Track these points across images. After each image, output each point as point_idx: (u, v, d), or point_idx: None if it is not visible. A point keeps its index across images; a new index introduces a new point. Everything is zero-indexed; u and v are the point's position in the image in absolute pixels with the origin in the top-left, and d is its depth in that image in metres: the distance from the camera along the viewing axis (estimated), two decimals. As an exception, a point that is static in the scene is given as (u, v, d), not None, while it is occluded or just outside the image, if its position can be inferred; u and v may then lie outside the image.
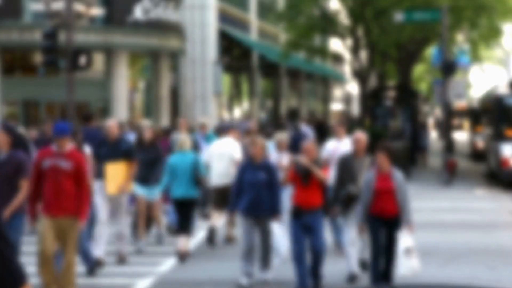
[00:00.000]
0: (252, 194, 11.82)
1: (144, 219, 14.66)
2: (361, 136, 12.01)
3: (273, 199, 11.89)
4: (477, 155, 35.25)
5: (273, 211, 11.84)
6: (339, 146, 13.70)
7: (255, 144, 12.07)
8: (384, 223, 11.03)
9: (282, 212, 12.10)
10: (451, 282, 10.74)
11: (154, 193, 14.64)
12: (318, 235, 11.26)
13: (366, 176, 11.23)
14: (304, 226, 11.28)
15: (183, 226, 13.48)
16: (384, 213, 11.02)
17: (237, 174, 12.24)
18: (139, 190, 14.62)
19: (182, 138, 14.08)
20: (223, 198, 14.84)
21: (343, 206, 11.77)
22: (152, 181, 14.65)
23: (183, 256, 13.40)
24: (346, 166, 11.89)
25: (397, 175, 11.10)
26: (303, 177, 11.35)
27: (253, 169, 11.94)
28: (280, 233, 11.70)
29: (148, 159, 14.63)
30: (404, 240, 10.74)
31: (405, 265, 10.64)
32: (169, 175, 13.59)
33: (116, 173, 13.09)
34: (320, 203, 11.44)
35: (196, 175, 13.56)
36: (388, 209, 11.01)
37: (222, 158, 15.21)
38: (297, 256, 11.24)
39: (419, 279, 10.84)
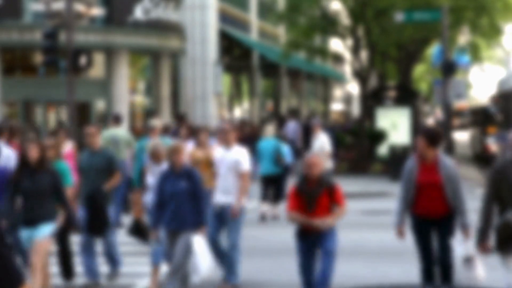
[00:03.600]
0: (172, 206, 10.59)
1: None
2: None
3: (197, 210, 10.63)
4: (487, 159, 33.91)
5: (197, 223, 10.58)
6: (227, 155, 11.69)
7: (175, 150, 10.76)
8: (431, 225, 9.44)
9: (206, 224, 10.85)
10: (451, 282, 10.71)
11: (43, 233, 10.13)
12: (328, 259, 9.77)
13: (406, 165, 9.53)
14: (312, 250, 9.93)
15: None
16: (430, 213, 9.41)
17: (157, 185, 10.87)
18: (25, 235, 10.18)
19: (154, 143, 12.42)
20: None
21: (501, 241, 8.34)
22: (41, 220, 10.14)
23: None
24: (505, 179, 8.34)
25: (446, 164, 9.28)
26: (308, 203, 9.77)
27: (173, 178, 10.69)
28: (202, 249, 10.45)
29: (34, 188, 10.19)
30: (461, 248, 9.13)
31: (467, 277, 9.05)
32: None
33: None
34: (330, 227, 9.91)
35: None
36: (435, 208, 9.38)
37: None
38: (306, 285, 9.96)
39: (417, 279, 10.82)
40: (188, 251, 10.45)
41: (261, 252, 14.35)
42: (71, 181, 11.34)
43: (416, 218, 9.50)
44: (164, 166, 11.44)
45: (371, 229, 16.96)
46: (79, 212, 11.59)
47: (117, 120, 18.28)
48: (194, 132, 15.10)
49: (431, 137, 9.27)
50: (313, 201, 9.73)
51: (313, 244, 9.87)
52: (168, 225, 10.63)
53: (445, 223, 9.42)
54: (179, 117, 27.24)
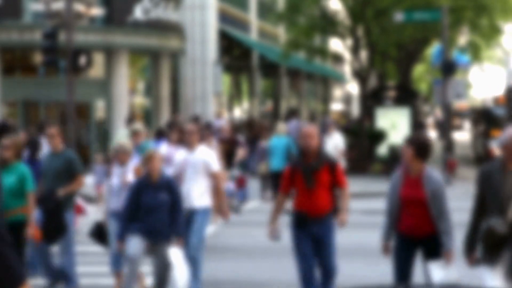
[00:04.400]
0: (150, 219, 10.05)
1: None
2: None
3: (175, 221, 10.14)
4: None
5: (174, 234, 10.15)
6: (191, 157, 11.10)
7: (150, 157, 10.13)
8: (416, 246, 8.56)
9: (183, 235, 10.37)
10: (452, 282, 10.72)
11: None
12: (329, 250, 9.47)
13: (393, 177, 8.73)
14: (312, 239, 9.36)
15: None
16: (414, 232, 8.48)
17: (130, 196, 10.19)
18: None
19: (119, 143, 11.84)
20: None
21: (486, 248, 7.72)
22: None
23: None
24: (491, 184, 7.73)
25: (432, 179, 8.39)
26: (307, 178, 9.22)
27: (152, 190, 10.08)
28: (180, 261, 10.07)
29: None
30: (440, 273, 8.25)
31: None
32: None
33: None
34: (329, 208, 9.38)
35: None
36: (419, 226, 8.45)
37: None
38: (305, 275, 9.40)
39: (419, 279, 10.81)
40: (167, 264, 10.01)
41: (261, 252, 14.35)
42: (32, 186, 10.16)
43: (399, 236, 8.59)
44: (129, 168, 10.95)
45: (371, 229, 16.95)
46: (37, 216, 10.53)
47: (130, 121, 19.11)
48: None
49: (420, 148, 8.38)
50: (311, 176, 9.16)
51: (311, 236, 9.37)
52: (145, 238, 10.07)
53: (431, 244, 8.46)
54: (195, 119, 27.27)
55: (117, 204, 10.96)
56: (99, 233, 11.33)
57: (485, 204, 7.71)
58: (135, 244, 10.07)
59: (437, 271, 8.24)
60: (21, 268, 3.60)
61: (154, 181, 10.10)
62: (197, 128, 11.46)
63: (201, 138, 13.80)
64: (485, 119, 33.57)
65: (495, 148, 30.81)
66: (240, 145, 20.46)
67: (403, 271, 8.56)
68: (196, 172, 10.98)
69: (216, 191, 11.17)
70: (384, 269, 12.57)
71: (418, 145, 8.41)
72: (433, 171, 8.54)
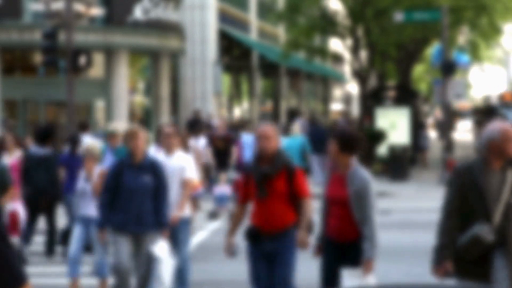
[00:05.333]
0: (131, 205, 9.07)
1: None
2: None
3: (159, 209, 9.19)
4: None
5: (159, 225, 9.22)
6: (169, 161, 10.15)
7: (132, 135, 9.21)
8: (341, 251, 7.65)
9: (167, 225, 9.44)
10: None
11: None
12: (284, 271, 8.00)
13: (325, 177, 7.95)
14: (267, 257, 8.02)
15: None
16: (339, 236, 7.63)
17: (109, 178, 9.23)
18: None
19: (89, 144, 11.15)
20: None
21: (470, 258, 6.70)
22: None
23: None
24: (473, 185, 6.65)
25: (357, 177, 7.54)
26: (259, 186, 7.93)
27: (134, 171, 9.13)
28: (165, 256, 9.20)
29: None
30: (352, 281, 7.46)
31: None
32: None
33: None
34: (288, 223, 7.99)
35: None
36: (343, 230, 7.61)
37: None
38: None
39: (420, 279, 10.82)
40: (151, 261, 9.18)
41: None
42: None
43: (326, 239, 7.73)
44: (97, 171, 10.43)
45: (371, 229, 16.93)
46: None
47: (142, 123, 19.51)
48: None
49: (345, 141, 7.50)
50: (264, 183, 7.86)
51: (265, 254, 8.05)
52: (124, 228, 9.13)
53: (357, 252, 7.62)
54: (196, 113, 27.44)
55: (86, 210, 10.47)
56: (65, 238, 10.92)
57: (462, 207, 6.67)
58: (122, 249, 9.19)
59: (350, 280, 7.46)
60: (22, 268, 3.60)
61: (136, 161, 9.14)
62: (176, 131, 10.57)
63: (194, 132, 13.12)
64: (490, 118, 32.81)
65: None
66: (235, 143, 20.23)
67: (327, 277, 7.66)
68: (173, 178, 10.00)
69: (181, 200, 10.16)
70: (384, 269, 12.57)
71: (343, 139, 7.51)
72: (360, 169, 7.59)
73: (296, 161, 19.63)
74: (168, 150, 10.17)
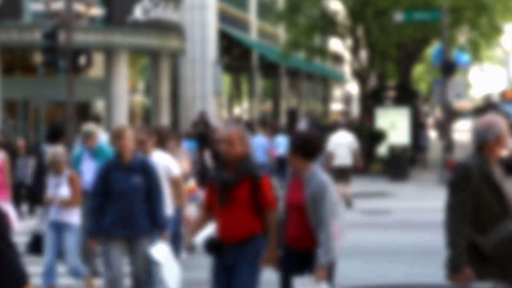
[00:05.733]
0: (122, 208, 8.57)
1: None
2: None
3: (155, 210, 8.73)
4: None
5: (157, 227, 8.76)
6: None
7: (119, 134, 8.70)
8: (299, 262, 7.23)
9: (166, 226, 8.94)
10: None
11: None
12: (243, 274, 7.35)
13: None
14: (228, 271, 7.45)
15: None
16: (297, 244, 7.23)
17: (97, 181, 8.72)
18: None
19: (53, 151, 10.55)
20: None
21: (505, 258, 6.37)
22: None
23: None
24: (488, 181, 6.38)
25: (314, 180, 7.12)
26: (220, 194, 7.37)
27: (123, 172, 8.63)
28: (167, 259, 8.72)
29: None
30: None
31: None
32: None
33: None
34: (250, 233, 7.35)
35: None
36: (301, 238, 7.19)
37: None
38: None
39: (420, 279, 10.83)
40: (149, 266, 8.73)
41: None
42: None
43: (285, 247, 7.32)
44: (64, 176, 10.13)
45: (371, 229, 16.95)
46: None
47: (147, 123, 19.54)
48: (162, 140, 11.66)
49: (300, 144, 7.16)
50: (225, 191, 7.32)
51: (226, 267, 7.49)
52: (115, 231, 8.60)
53: (313, 263, 7.09)
54: (202, 114, 27.50)
55: (56, 216, 10.25)
56: (37, 246, 10.72)
57: (477, 207, 6.34)
58: (114, 259, 8.68)
59: None
60: (24, 269, 3.60)
61: (125, 161, 8.63)
62: (149, 135, 9.99)
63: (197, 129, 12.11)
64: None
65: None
66: None
67: (285, 286, 7.28)
68: (161, 178, 9.57)
69: (179, 197, 10.04)
70: (384, 269, 12.58)
71: (298, 142, 7.18)
72: (318, 172, 7.20)
73: None
74: (145, 154, 9.70)
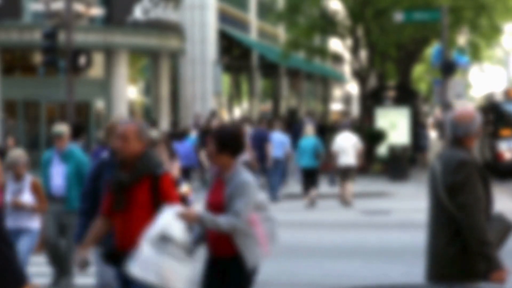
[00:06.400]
0: None
1: None
2: None
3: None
4: (500, 169, 27.85)
5: None
6: None
7: (112, 129, 7.78)
8: (219, 270, 6.59)
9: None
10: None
11: None
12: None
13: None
14: (126, 282, 6.59)
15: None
16: (216, 251, 6.57)
17: (88, 182, 7.82)
18: None
19: (13, 155, 10.09)
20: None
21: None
22: None
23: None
24: (484, 174, 6.40)
25: (235, 179, 6.48)
26: (115, 196, 6.64)
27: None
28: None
29: None
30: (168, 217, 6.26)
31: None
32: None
33: None
34: None
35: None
36: (220, 244, 6.52)
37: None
38: None
39: (420, 279, 10.82)
40: None
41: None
42: None
43: (207, 256, 6.70)
44: (26, 182, 9.67)
45: (370, 229, 16.95)
46: None
47: (153, 124, 20.65)
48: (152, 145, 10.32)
49: (221, 140, 6.52)
50: (121, 193, 6.59)
51: (124, 279, 6.61)
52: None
53: (234, 269, 6.53)
54: (212, 114, 27.50)
55: (15, 223, 9.76)
56: None
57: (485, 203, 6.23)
58: (108, 267, 7.53)
59: (167, 215, 6.28)
60: (23, 269, 3.60)
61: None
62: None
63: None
64: (493, 116, 28.97)
65: (505, 151, 27.83)
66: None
67: None
68: None
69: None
70: (384, 269, 12.57)
71: (219, 137, 6.54)
72: (242, 172, 6.55)
73: (309, 161, 20.84)
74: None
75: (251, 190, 6.48)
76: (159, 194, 6.61)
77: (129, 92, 32.67)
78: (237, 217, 6.32)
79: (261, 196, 6.74)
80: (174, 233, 6.18)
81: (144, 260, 6.13)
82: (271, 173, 22.39)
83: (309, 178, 21.11)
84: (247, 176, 6.51)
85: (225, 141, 6.52)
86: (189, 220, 6.31)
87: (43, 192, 10.11)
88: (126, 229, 6.57)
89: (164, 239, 6.13)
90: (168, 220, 6.21)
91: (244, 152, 6.86)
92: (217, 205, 6.46)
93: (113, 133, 7.73)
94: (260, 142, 22.25)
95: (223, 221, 6.30)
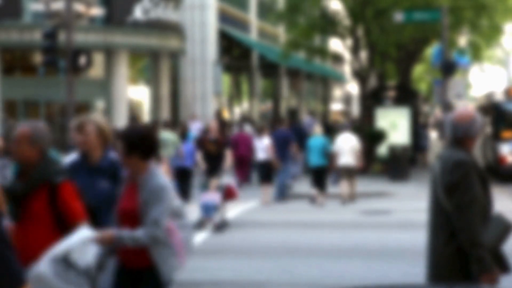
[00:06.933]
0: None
1: None
2: None
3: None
4: (503, 173, 27.14)
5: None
6: None
7: (82, 128, 7.11)
8: (132, 282, 6.14)
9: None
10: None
11: None
12: None
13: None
14: None
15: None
16: (127, 261, 6.16)
17: None
18: None
19: None
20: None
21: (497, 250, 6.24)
22: None
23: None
24: (482, 173, 6.32)
25: (148, 183, 6.03)
26: (11, 206, 6.08)
27: (88, 174, 7.00)
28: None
29: None
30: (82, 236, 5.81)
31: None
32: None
33: None
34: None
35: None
36: (131, 253, 6.09)
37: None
38: None
39: (420, 279, 10.81)
40: None
41: (261, 252, 14.35)
42: None
43: (116, 267, 6.23)
44: None
45: (370, 229, 16.94)
46: None
47: (166, 124, 21.51)
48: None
49: (132, 141, 6.06)
50: (16, 203, 6.05)
51: None
52: None
53: (147, 282, 6.09)
54: (217, 115, 27.36)
55: None
56: None
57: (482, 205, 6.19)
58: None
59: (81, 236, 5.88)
60: (22, 270, 3.60)
61: (92, 163, 7.10)
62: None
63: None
64: (494, 117, 28.21)
65: (508, 155, 27.13)
66: (229, 147, 18.32)
67: None
68: None
69: None
70: (384, 269, 12.57)
71: (127, 139, 6.06)
72: (158, 175, 6.12)
73: (318, 160, 20.91)
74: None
75: (168, 195, 6.06)
76: (57, 204, 6.05)
77: (129, 92, 32.68)
78: (156, 226, 5.93)
79: (177, 201, 6.24)
80: (80, 260, 5.77)
81: (37, 275, 5.68)
82: (279, 172, 22.03)
83: (318, 177, 21.17)
84: (162, 180, 6.08)
85: (134, 142, 6.05)
86: (106, 243, 5.94)
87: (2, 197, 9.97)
88: (24, 243, 5.95)
89: (66, 263, 5.71)
90: (77, 244, 5.79)
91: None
92: (129, 212, 6.05)
93: (81, 132, 7.17)
94: (282, 142, 22.17)
95: (141, 234, 5.92)
